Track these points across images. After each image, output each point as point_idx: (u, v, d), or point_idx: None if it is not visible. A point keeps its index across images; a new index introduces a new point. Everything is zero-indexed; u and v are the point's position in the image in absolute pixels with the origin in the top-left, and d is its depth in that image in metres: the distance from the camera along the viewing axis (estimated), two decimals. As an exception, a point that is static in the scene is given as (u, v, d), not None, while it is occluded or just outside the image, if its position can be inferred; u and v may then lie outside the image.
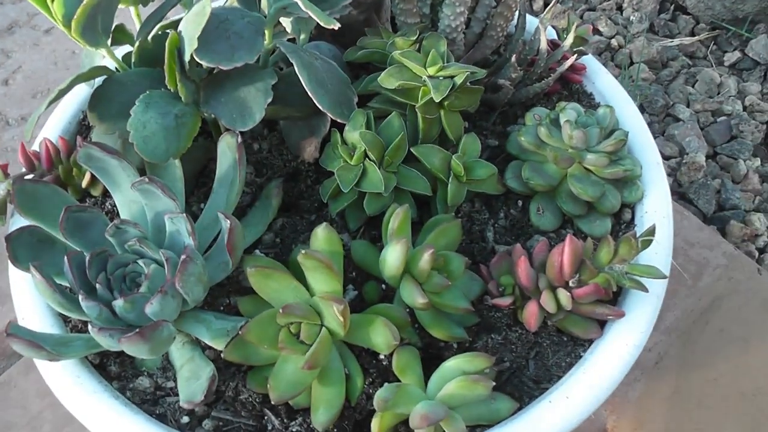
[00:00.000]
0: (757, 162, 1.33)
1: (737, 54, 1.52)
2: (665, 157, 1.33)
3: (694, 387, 1.02)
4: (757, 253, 1.21)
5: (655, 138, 0.99)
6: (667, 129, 1.38)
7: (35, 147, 0.84)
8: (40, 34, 1.53)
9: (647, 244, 0.69)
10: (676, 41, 1.54)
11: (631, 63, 1.51)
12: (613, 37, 1.55)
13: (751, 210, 1.27)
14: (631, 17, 1.59)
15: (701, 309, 1.09)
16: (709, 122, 1.40)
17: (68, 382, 0.69)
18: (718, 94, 1.45)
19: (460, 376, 0.64)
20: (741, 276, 1.13)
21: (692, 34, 1.57)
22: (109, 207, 0.81)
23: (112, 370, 0.72)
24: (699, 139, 1.35)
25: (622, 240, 0.68)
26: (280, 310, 0.63)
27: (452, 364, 0.66)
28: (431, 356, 0.71)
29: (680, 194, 1.29)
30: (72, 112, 0.91)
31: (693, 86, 1.47)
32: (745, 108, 1.42)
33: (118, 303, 0.65)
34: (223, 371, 0.70)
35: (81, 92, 0.92)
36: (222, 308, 0.73)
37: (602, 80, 0.93)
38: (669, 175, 1.32)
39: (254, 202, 0.80)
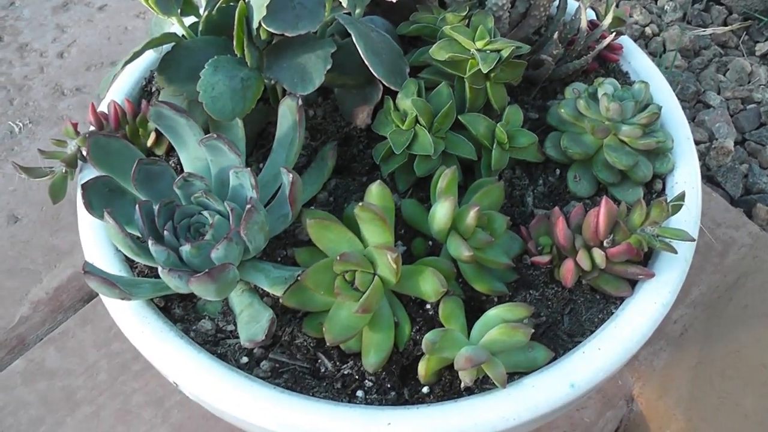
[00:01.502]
0: (785, 149, 1.37)
1: (769, 44, 1.56)
2: (695, 142, 1.37)
3: (717, 358, 1.06)
4: (782, 235, 1.25)
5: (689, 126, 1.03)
6: (697, 115, 1.43)
7: (102, 108, 0.90)
8: (94, 11, 1.59)
9: (677, 208, 0.74)
10: (709, 30, 1.58)
11: (665, 51, 1.55)
12: (647, 25, 1.60)
13: (778, 194, 1.32)
14: (666, 6, 1.63)
15: (726, 285, 1.13)
16: (738, 109, 1.44)
17: (136, 321, 0.75)
18: (749, 82, 1.49)
19: (501, 323, 0.69)
20: (766, 255, 1.17)
21: (725, 24, 1.61)
22: (173, 165, 0.86)
23: (176, 313, 0.77)
24: (728, 125, 1.39)
25: (654, 204, 0.72)
26: (337, 258, 0.68)
27: (494, 313, 0.71)
28: (473, 309, 0.76)
29: (708, 177, 1.33)
30: (135, 78, 0.97)
31: (724, 74, 1.51)
32: (774, 96, 1.46)
33: (185, 248, 0.70)
34: (280, 318, 0.76)
35: (143, 60, 0.97)
36: (279, 259, 0.79)
37: (638, 60, 0.97)
38: (698, 159, 1.36)
39: (309, 164, 0.85)
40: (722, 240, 1.18)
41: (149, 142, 0.88)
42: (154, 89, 0.96)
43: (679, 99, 1.44)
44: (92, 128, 0.87)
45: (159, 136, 0.87)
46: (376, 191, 0.72)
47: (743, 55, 1.56)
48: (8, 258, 1.20)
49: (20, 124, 1.37)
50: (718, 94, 1.47)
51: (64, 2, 1.61)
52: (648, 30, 1.58)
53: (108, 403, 1.03)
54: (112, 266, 0.79)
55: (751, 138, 1.40)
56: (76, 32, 1.55)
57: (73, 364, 1.07)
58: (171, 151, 0.88)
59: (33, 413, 1.03)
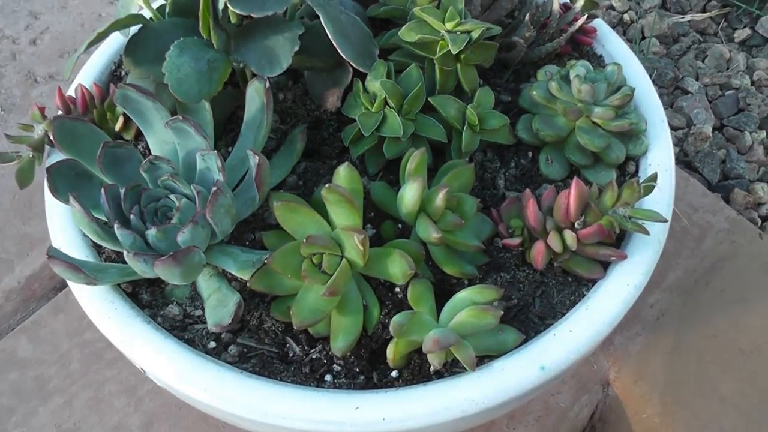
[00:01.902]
0: (763, 134, 1.37)
1: (747, 31, 1.56)
2: (673, 128, 1.37)
3: (694, 342, 1.06)
4: (759, 221, 1.25)
5: (663, 110, 1.03)
6: (675, 101, 1.42)
7: (70, 93, 0.89)
8: (68, -3, 1.58)
9: (649, 189, 0.73)
10: (688, 17, 1.57)
11: (643, 37, 1.54)
12: (625, 12, 1.59)
13: (756, 180, 1.32)
14: (644, -8, 1.63)
15: (703, 270, 1.13)
16: (717, 95, 1.44)
17: (104, 307, 0.74)
18: (727, 68, 1.49)
19: (470, 306, 0.68)
20: (743, 240, 1.17)
21: (703, 10, 1.61)
22: (141, 149, 0.85)
23: (144, 299, 0.76)
24: (707, 111, 1.39)
25: (625, 185, 0.72)
26: (304, 240, 0.67)
27: (463, 295, 0.70)
28: (444, 292, 0.75)
29: (686, 163, 1.33)
30: (104, 62, 0.95)
31: (703, 61, 1.51)
32: (753, 83, 1.46)
33: (151, 232, 0.70)
34: (248, 302, 0.75)
35: (112, 44, 0.96)
36: (247, 243, 0.78)
37: (612, 44, 0.97)
38: (676, 145, 1.36)
39: (279, 147, 0.84)
40: (699, 225, 1.18)
41: (117, 127, 0.87)
42: (123, 74, 0.95)
43: (657, 85, 1.44)
44: (60, 113, 0.86)
45: (127, 120, 0.86)
46: (344, 173, 0.71)
47: (722, 42, 1.55)
48: (-20, 247, 1.18)
49: (-7, 113, 1.36)
50: (697, 80, 1.46)
51: (38, -11, 1.59)
52: (626, 17, 1.58)
53: (81, 393, 1.02)
54: (79, 252, 0.78)
55: (729, 124, 1.39)
56: (49, 19, 1.53)
57: (46, 354, 1.06)
58: (140, 135, 0.87)
59: (5, 402, 1.02)
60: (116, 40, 0.95)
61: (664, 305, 1.09)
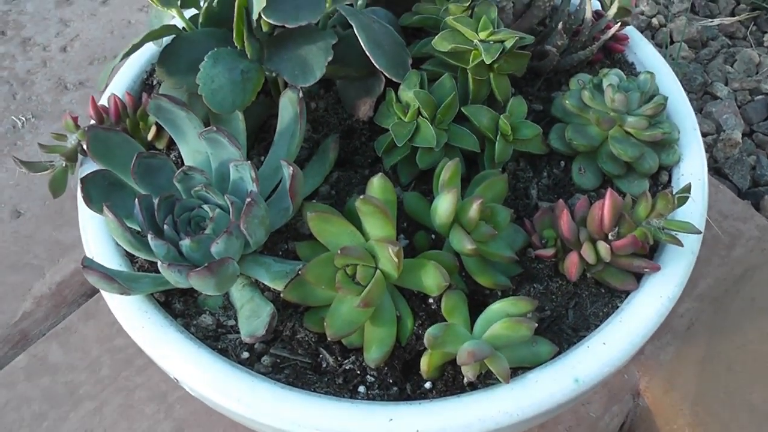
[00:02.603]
0: (794, 140, 1.36)
1: (777, 35, 1.55)
2: (702, 134, 1.36)
3: (724, 352, 1.05)
4: (790, 228, 1.24)
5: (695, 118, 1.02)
6: (704, 107, 1.41)
7: (103, 102, 0.90)
8: (97, 5, 1.59)
9: (683, 200, 0.73)
10: (717, 21, 1.57)
11: (671, 42, 1.53)
12: (654, 16, 1.58)
13: (786, 187, 1.31)
14: (672, -3, 1.62)
15: (733, 278, 1.12)
16: (746, 101, 1.43)
17: (137, 317, 0.74)
18: (757, 73, 1.48)
19: (504, 318, 0.68)
20: (774, 248, 1.16)
21: (732, 14, 1.60)
22: (173, 159, 0.86)
23: (177, 308, 0.77)
24: (736, 116, 1.38)
25: (659, 196, 0.71)
26: (338, 252, 0.67)
27: (497, 307, 0.70)
28: (477, 303, 0.75)
29: (716, 169, 1.32)
30: (136, 71, 0.96)
31: (732, 65, 1.49)
32: (783, 88, 1.45)
33: (185, 243, 0.70)
34: (281, 312, 0.75)
35: (144, 53, 0.97)
36: (281, 253, 0.78)
37: (643, 51, 0.96)
38: (705, 151, 1.34)
39: (311, 156, 0.84)
40: (729, 233, 1.17)
41: (150, 136, 0.87)
42: (155, 82, 0.95)
43: (686, 90, 1.43)
44: (92, 122, 0.87)
45: (160, 129, 0.87)
46: (377, 184, 0.71)
47: (751, 46, 1.54)
48: (11, 253, 1.19)
49: (23, 119, 1.37)
50: (726, 85, 1.46)
51: (67, -4, 1.60)
52: (655, 21, 1.57)
53: (111, 399, 1.03)
54: (113, 261, 0.79)
55: (759, 129, 1.38)
56: (79, 26, 1.54)
57: (76, 360, 1.06)
58: (172, 145, 0.87)
59: (36, 409, 1.02)
60: (148, 49, 0.96)
61: (694, 314, 1.08)
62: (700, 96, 1.45)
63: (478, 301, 0.75)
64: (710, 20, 1.57)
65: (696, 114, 1.39)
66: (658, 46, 1.52)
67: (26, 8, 1.58)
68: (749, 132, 1.39)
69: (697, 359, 1.05)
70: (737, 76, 1.47)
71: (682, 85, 1.42)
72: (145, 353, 0.74)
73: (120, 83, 0.94)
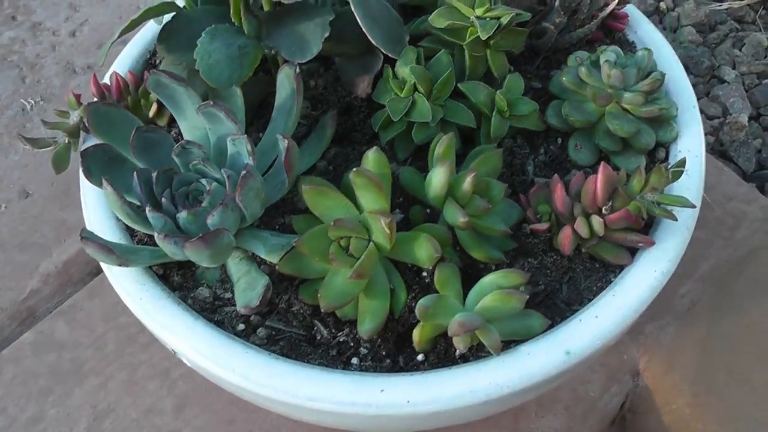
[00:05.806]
0: (801, 124, 1.35)
1: (786, 19, 1.54)
2: (709, 117, 1.36)
3: (726, 332, 1.05)
4: (795, 210, 1.24)
5: (699, 99, 1.02)
6: (711, 90, 1.41)
7: (105, 80, 0.91)
8: (106, -12, 1.60)
9: (678, 175, 0.73)
10: (725, 5, 1.56)
11: (679, 26, 1.53)
12: (662, 0, 1.58)
13: (792, 170, 1.30)
14: (681, -19, 1.61)
15: (737, 259, 1.12)
16: (754, 84, 1.42)
17: (135, 288, 0.75)
18: (765, 57, 1.47)
19: (495, 290, 0.69)
20: (778, 230, 1.15)
21: (741, -2, 1.59)
22: (174, 135, 0.87)
23: (175, 281, 0.78)
24: (743, 100, 1.38)
25: (653, 170, 0.71)
26: (332, 224, 0.68)
27: (489, 279, 0.70)
28: (471, 277, 0.75)
29: (721, 152, 1.32)
30: (138, 51, 0.97)
31: (740, 49, 1.49)
32: (791, 71, 1.44)
33: (182, 215, 0.71)
34: (277, 285, 0.76)
35: (147, 33, 0.98)
36: (277, 227, 0.79)
37: (643, 29, 0.96)
38: (711, 134, 1.34)
39: (309, 133, 0.85)
40: (733, 214, 1.17)
41: (151, 113, 0.88)
42: (157, 62, 0.96)
43: (692, 74, 1.43)
44: (95, 99, 0.88)
45: (161, 107, 0.88)
46: (372, 157, 0.72)
47: (760, 30, 1.54)
48: (19, 233, 1.21)
49: (32, 102, 1.38)
50: (734, 68, 1.45)
51: (77, -20, 1.61)
52: (663, 5, 1.57)
53: (115, 375, 1.04)
54: (112, 235, 0.80)
55: (766, 113, 1.38)
56: (88, 11, 1.55)
57: (82, 336, 1.07)
58: (173, 122, 0.88)
59: (42, 384, 1.04)
60: (151, 29, 0.97)
61: (696, 295, 1.08)
62: (707, 80, 1.44)
63: (471, 275, 0.76)
64: (719, 4, 1.56)
65: (703, 98, 1.39)
66: (666, 30, 1.52)
67: (37, -7, 1.60)
68: (756, 115, 1.39)
69: (697, 339, 1.05)
70: (745, 59, 1.46)
71: (689, 69, 1.43)
72: (147, 330, 0.75)
73: (123, 62, 0.95)
